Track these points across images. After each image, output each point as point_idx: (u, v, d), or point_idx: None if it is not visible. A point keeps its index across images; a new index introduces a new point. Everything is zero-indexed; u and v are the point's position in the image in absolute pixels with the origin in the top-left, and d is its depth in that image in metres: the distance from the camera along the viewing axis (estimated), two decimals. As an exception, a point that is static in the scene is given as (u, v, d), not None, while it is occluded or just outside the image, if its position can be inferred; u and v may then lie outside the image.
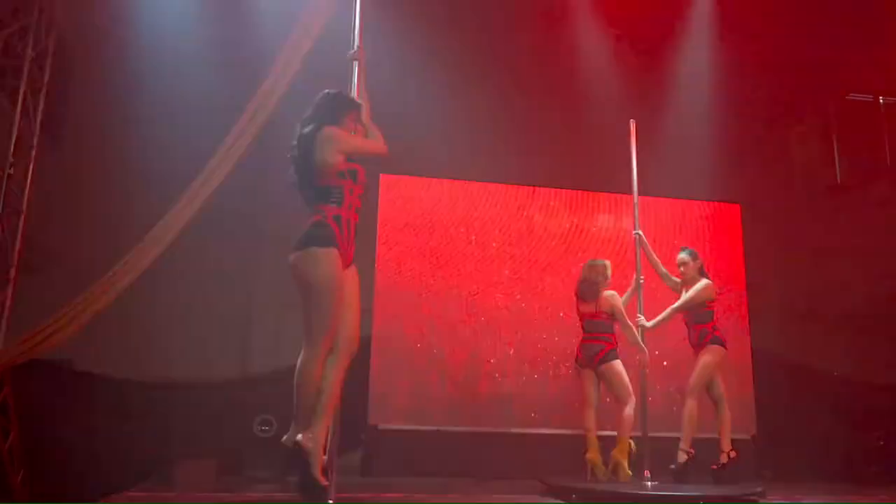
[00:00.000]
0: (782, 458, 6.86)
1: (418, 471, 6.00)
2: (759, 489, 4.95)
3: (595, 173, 7.07)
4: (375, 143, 3.50)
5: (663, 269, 5.76)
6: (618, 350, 5.39)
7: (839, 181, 10.75)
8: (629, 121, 5.60)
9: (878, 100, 11.02)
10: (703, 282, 5.47)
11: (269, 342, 7.04)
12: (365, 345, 6.48)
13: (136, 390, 5.77)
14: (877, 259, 8.47)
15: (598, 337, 5.38)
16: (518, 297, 6.78)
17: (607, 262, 5.58)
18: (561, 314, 6.70)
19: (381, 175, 6.67)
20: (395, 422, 6.23)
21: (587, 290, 5.46)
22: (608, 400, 5.51)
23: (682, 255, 5.59)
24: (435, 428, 6.31)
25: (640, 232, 5.54)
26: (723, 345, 5.39)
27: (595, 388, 5.39)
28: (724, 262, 7.36)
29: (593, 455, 5.24)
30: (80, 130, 6.33)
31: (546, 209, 7.08)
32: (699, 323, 5.40)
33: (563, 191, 7.15)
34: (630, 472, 5.14)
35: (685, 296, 5.44)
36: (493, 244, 6.86)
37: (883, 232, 8.61)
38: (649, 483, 4.95)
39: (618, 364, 5.32)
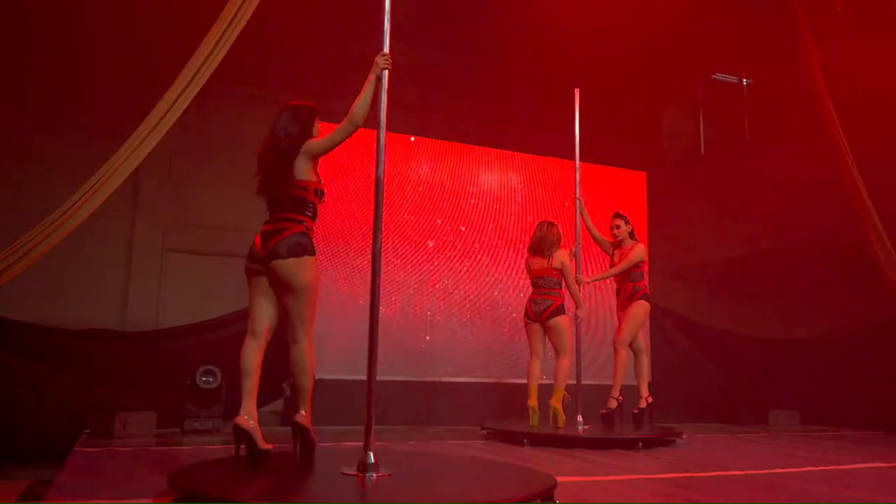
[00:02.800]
0: (672, 403, 7.65)
1: (354, 419, 6.11)
2: (680, 430, 5.59)
3: (529, 136, 7.34)
4: (342, 128, 3.59)
5: (597, 233, 6.16)
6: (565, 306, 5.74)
7: (703, 153, 11.93)
8: (574, 89, 5.87)
9: (742, 81, 12.23)
10: (641, 246, 5.96)
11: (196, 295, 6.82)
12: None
13: (70, 340, 5.40)
14: (745, 224, 9.52)
15: (548, 293, 5.67)
16: (449, 250, 6.97)
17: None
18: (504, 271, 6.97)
19: (321, 124, 6.51)
20: (329, 372, 6.26)
21: (545, 247, 5.69)
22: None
23: (617, 220, 6.03)
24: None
25: (581, 199, 5.90)
26: (649, 301, 5.94)
27: (542, 341, 5.72)
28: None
29: (534, 402, 5.59)
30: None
31: (477, 167, 7.27)
32: (632, 281, 5.87)
33: (494, 150, 7.36)
34: (564, 418, 5.56)
35: (629, 259, 5.86)
36: (426, 200, 6.95)
37: (748, 200, 9.67)
38: (582, 427, 5.42)
39: (565, 319, 5.65)
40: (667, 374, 7.63)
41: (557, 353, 5.67)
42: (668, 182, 9.25)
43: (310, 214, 3.55)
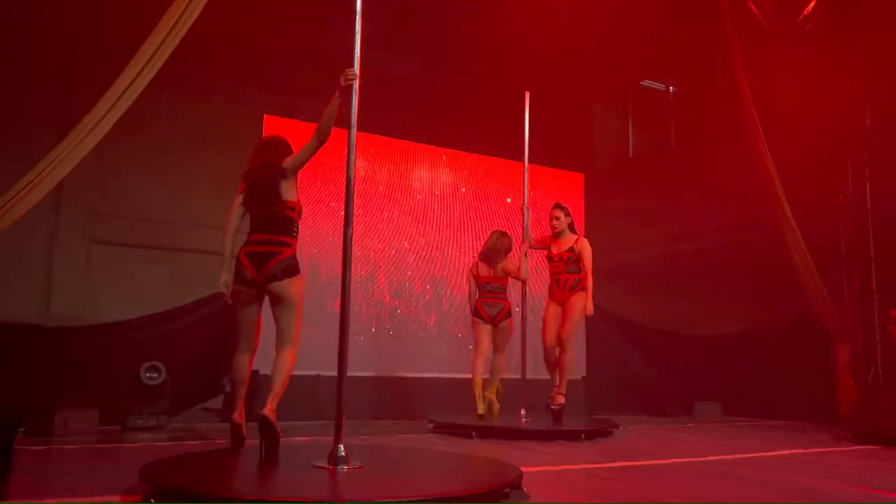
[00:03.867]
0: (603, 396, 7.97)
1: (299, 415, 6.11)
2: (617, 422, 5.85)
3: (475, 136, 7.47)
4: (310, 145, 3.88)
5: (530, 234, 6.34)
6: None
7: (631, 156, 12.43)
8: (525, 93, 6.04)
9: (668, 88, 12.79)
10: (585, 240, 5.86)
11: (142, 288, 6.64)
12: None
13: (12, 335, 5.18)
14: (672, 225, 9.99)
15: (499, 297, 6.00)
16: (395, 246, 7.03)
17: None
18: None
19: (265, 116, 6.46)
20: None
21: (494, 256, 6.00)
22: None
23: (557, 211, 5.90)
24: (315, 373, 6.41)
25: (528, 207, 6.10)
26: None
27: (490, 339, 5.92)
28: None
29: (482, 391, 5.83)
30: None
31: (423, 164, 7.36)
32: (573, 273, 5.76)
33: (443, 149, 7.46)
34: (499, 406, 5.93)
35: (587, 257, 5.74)
36: (375, 195, 6.99)
37: (674, 202, 10.15)
38: (525, 419, 5.61)
39: (511, 321, 6.04)
40: (598, 368, 7.93)
41: (499, 350, 6.00)
42: (602, 184, 9.58)
43: (295, 234, 3.90)
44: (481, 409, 5.73)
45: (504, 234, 6.14)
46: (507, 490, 2.81)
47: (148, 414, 5.21)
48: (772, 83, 8.18)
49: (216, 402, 6.67)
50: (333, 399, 6.25)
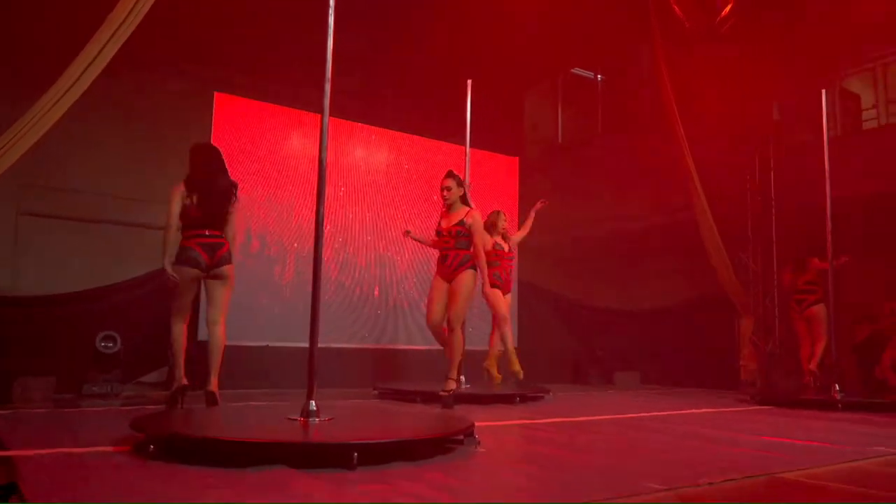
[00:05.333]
0: (534, 366, 8.52)
1: (249, 384, 6.37)
2: (547, 388, 6.38)
3: (422, 121, 7.78)
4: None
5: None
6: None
7: (560, 141, 13.03)
8: (467, 81, 6.40)
9: (597, 76, 13.43)
10: (477, 213, 5.46)
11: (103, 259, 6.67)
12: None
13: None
14: (597, 207, 10.62)
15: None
16: (340, 222, 7.31)
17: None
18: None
19: (215, 93, 6.60)
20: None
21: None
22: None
23: (448, 180, 5.44)
24: (264, 343, 6.66)
25: (469, 184, 6.45)
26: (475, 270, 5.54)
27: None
28: (498, 206, 8.67)
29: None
30: None
31: (368, 146, 7.63)
32: (463, 249, 5.36)
33: (387, 131, 7.75)
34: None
35: (476, 230, 5.38)
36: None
37: (600, 185, 10.79)
38: (465, 386, 6.05)
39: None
40: (528, 340, 8.47)
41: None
42: (535, 167, 10.09)
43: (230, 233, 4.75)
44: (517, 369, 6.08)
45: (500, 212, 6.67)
46: (462, 437, 3.23)
47: (103, 381, 5.37)
48: (690, 78, 8.85)
49: (151, 377, 6.83)
50: (281, 367, 6.60)
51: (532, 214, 7.00)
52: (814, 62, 8.89)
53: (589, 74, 13.56)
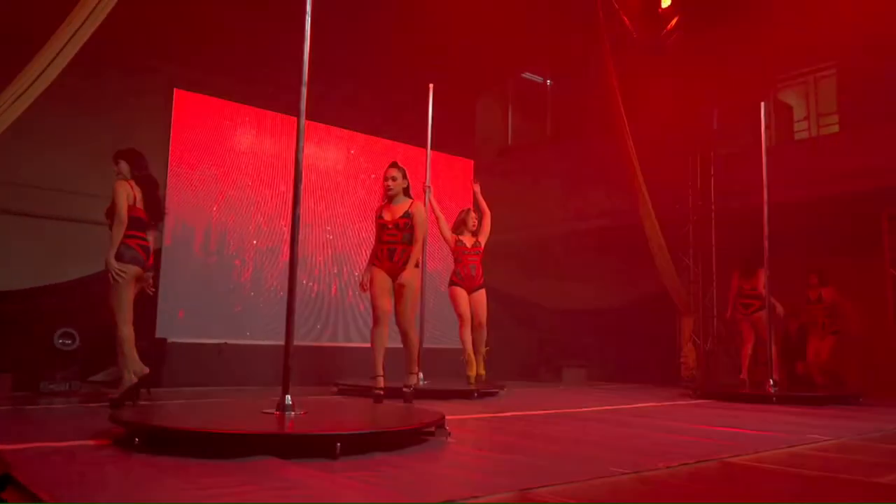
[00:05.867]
0: (486, 363, 8.74)
1: (208, 381, 6.39)
2: (502, 384, 6.59)
3: (380, 123, 7.89)
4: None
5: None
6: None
7: (510, 144, 13.32)
8: (429, 85, 6.57)
9: (546, 81, 13.77)
10: (421, 204, 5.35)
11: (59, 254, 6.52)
12: (155, 261, 6.52)
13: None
14: (546, 210, 10.93)
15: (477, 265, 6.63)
16: (301, 223, 7.36)
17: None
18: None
19: (175, 90, 6.57)
20: (183, 336, 6.43)
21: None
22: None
23: (393, 170, 5.25)
24: (222, 341, 6.68)
25: (430, 185, 6.62)
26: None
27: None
28: (454, 206, 8.86)
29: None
30: None
31: (326, 145, 7.71)
32: (409, 244, 5.20)
33: (345, 131, 7.84)
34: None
35: (419, 223, 5.22)
36: (279, 171, 7.28)
37: (548, 189, 11.11)
38: (423, 382, 6.22)
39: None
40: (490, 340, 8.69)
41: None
42: (487, 169, 10.32)
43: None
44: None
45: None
46: (433, 428, 3.39)
47: (61, 379, 5.32)
48: (637, 86, 9.22)
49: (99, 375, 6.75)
50: (239, 365, 6.63)
51: (479, 197, 7.04)
52: (752, 74, 9.38)
53: (539, 79, 13.91)
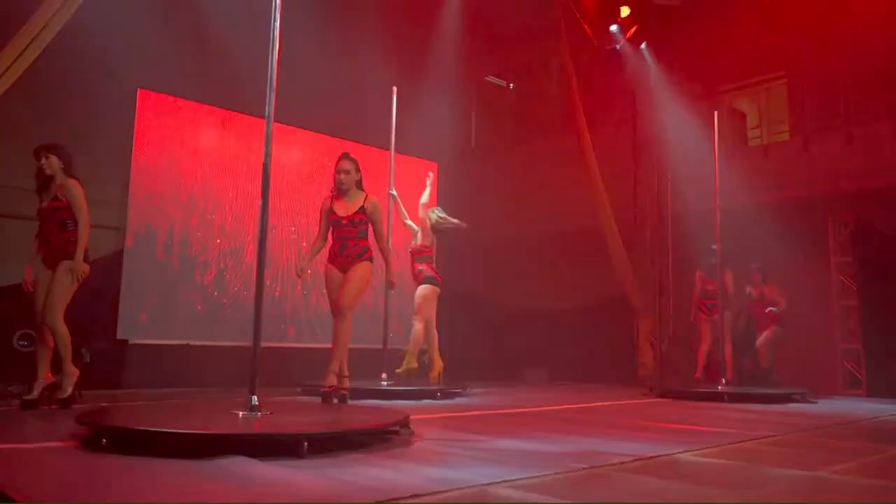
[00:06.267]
0: (449, 364, 8.85)
1: (170, 383, 6.37)
2: (465, 384, 6.71)
3: (344, 124, 7.93)
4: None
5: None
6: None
7: (473, 147, 13.47)
8: (392, 87, 6.66)
9: (509, 85, 13.96)
10: (376, 199, 5.17)
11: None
12: (116, 262, 6.48)
13: None
14: (509, 212, 11.09)
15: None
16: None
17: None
18: (304, 244, 7.52)
19: (139, 90, 6.54)
20: (145, 337, 6.40)
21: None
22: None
23: (346, 162, 5.07)
24: (185, 342, 6.66)
25: (395, 191, 6.70)
26: (373, 262, 5.21)
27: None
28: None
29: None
30: None
31: (290, 146, 7.74)
32: (362, 239, 5.08)
33: (309, 132, 7.87)
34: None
35: (379, 220, 5.15)
36: (243, 172, 7.28)
37: (509, 192, 11.27)
38: (386, 383, 6.31)
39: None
40: (442, 340, 8.79)
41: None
42: (451, 172, 10.44)
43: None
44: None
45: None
46: (399, 427, 3.49)
47: (19, 381, 5.26)
48: (596, 91, 9.45)
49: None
50: (203, 367, 6.62)
51: (431, 182, 7.07)
52: (706, 83, 9.68)
53: (502, 83, 14.09)
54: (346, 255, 5.02)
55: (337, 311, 5.03)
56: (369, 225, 5.07)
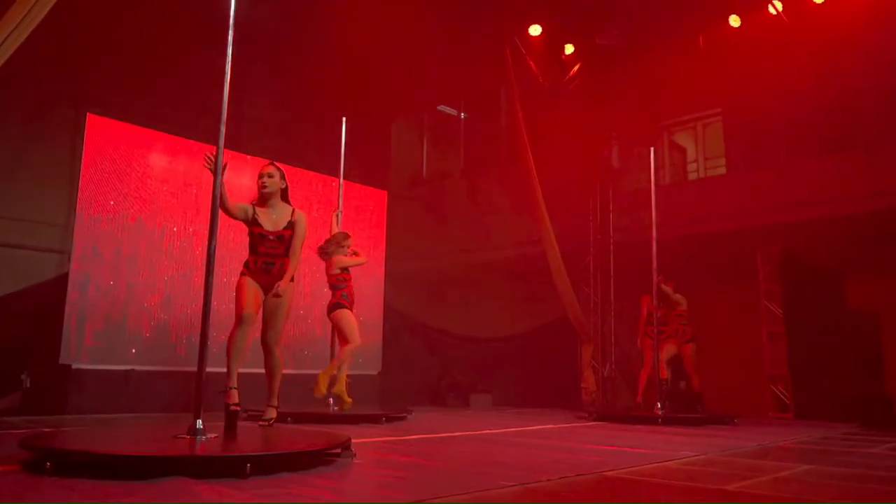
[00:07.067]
0: (396, 389, 8.98)
1: (114, 408, 6.33)
2: (410, 408, 6.83)
3: (293, 151, 8.05)
4: None
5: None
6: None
7: (425, 176, 13.72)
8: (342, 118, 6.84)
9: (460, 115, 14.29)
10: (304, 214, 4.83)
11: None
12: (59, 285, 6.45)
13: None
14: (457, 240, 11.32)
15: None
16: (221, 250, 7.41)
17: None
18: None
19: (88, 114, 6.56)
20: (88, 362, 6.36)
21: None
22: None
23: (272, 168, 4.72)
24: (129, 367, 6.62)
25: (340, 212, 6.83)
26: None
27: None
28: (367, 236, 9.10)
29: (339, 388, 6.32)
30: None
31: (238, 172, 7.81)
32: (288, 256, 4.70)
33: (258, 159, 7.93)
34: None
35: (300, 235, 4.71)
36: (193, 197, 7.32)
37: (460, 219, 11.52)
38: (333, 408, 6.39)
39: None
40: (391, 365, 8.93)
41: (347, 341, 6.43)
42: (401, 200, 10.65)
43: None
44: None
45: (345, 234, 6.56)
46: (340, 450, 3.61)
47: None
48: (543, 125, 9.80)
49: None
50: (147, 392, 6.60)
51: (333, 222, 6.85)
52: (645, 118, 10.13)
53: (453, 112, 14.41)
54: (272, 273, 4.62)
55: (267, 348, 4.71)
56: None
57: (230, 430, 4.13)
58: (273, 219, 4.65)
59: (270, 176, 4.65)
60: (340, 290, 6.45)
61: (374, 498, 2.65)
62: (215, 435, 3.68)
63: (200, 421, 3.65)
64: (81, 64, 7.17)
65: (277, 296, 4.61)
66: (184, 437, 3.57)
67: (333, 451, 3.57)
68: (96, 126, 6.63)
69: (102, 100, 7.04)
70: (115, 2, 7.13)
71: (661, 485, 3.16)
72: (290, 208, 4.74)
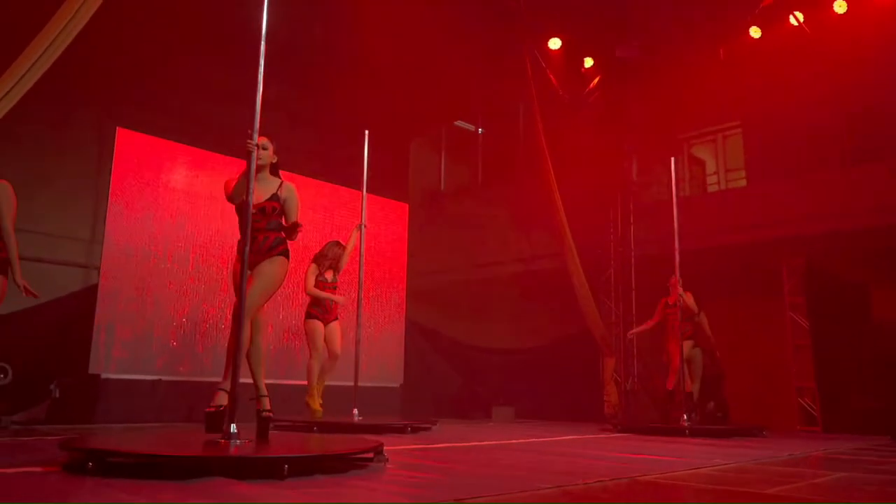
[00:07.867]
0: (418, 402, 8.98)
1: (142, 418, 6.38)
2: (434, 419, 6.83)
3: (318, 166, 8.15)
4: None
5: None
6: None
7: (443, 190, 13.80)
8: (364, 131, 6.90)
9: (478, 130, 14.39)
10: (293, 185, 4.53)
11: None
12: (88, 297, 6.54)
13: None
14: (478, 253, 11.36)
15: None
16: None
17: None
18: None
19: (118, 128, 6.68)
20: (117, 372, 6.42)
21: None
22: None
23: (265, 140, 4.37)
24: (157, 377, 6.68)
25: (364, 226, 6.87)
26: (289, 257, 4.51)
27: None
28: (390, 249, 9.15)
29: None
30: None
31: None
32: (274, 231, 4.41)
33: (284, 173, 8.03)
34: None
35: (293, 207, 4.46)
36: (218, 211, 7.40)
37: (480, 233, 11.56)
38: (358, 417, 6.40)
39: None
40: (413, 377, 8.93)
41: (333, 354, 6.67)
42: (421, 213, 10.71)
43: None
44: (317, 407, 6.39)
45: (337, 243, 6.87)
46: (373, 454, 3.62)
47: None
48: (563, 138, 9.83)
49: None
50: (172, 402, 6.64)
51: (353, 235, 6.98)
52: (665, 131, 10.16)
53: (470, 127, 14.52)
54: (254, 249, 4.19)
55: (235, 319, 4.10)
56: (282, 216, 4.41)
57: (262, 436, 4.15)
58: (258, 192, 4.27)
59: (264, 148, 4.34)
60: (321, 300, 6.70)
61: (412, 498, 2.66)
62: (248, 440, 3.70)
63: (234, 425, 3.67)
64: (109, 79, 7.30)
65: (260, 270, 4.24)
66: (219, 441, 3.60)
67: (366, 455, 3.59)
68: (126, 140, 6.75)
69: (129, 114, 7.15)
70: (142, 18, 7.27)
71: (696, 488, 3.14)
72: (279, 181, 4.45)
